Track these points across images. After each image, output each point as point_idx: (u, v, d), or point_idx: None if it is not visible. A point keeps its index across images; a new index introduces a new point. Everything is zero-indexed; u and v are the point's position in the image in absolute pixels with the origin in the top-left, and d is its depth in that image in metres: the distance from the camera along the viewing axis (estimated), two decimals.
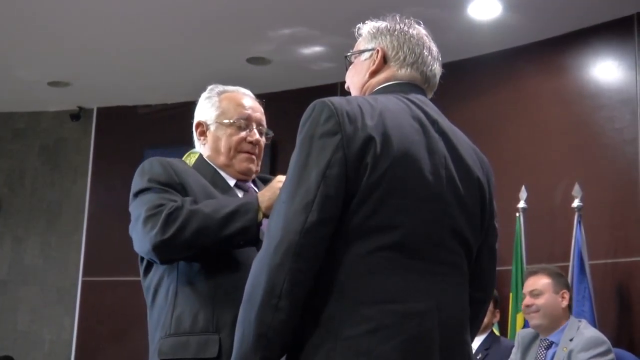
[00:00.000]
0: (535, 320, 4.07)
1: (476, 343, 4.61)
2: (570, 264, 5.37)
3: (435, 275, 1.81)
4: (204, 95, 2.54)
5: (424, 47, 2.06)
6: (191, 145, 9.04)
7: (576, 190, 5.60)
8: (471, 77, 6.68)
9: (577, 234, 5.47)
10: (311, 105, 1.83)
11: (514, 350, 4.22)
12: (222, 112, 2.47)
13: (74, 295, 8.01)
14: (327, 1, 5.89)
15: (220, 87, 2.52)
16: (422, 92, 2.04)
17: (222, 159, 2.47)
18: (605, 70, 6.12)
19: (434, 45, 2.10)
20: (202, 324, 2.11)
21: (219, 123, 2.45)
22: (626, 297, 5.65)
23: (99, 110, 8.31)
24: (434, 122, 1.93)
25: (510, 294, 5.61)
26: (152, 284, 2.27)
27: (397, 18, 2.09)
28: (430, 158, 1.85)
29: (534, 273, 4.23)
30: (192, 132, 8.65)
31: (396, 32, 2.06)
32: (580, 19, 6.06)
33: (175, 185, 2.24)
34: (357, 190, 1.75)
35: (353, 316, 1.70)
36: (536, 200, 5.91)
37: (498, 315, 5.14)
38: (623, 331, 5.53)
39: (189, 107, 9.19)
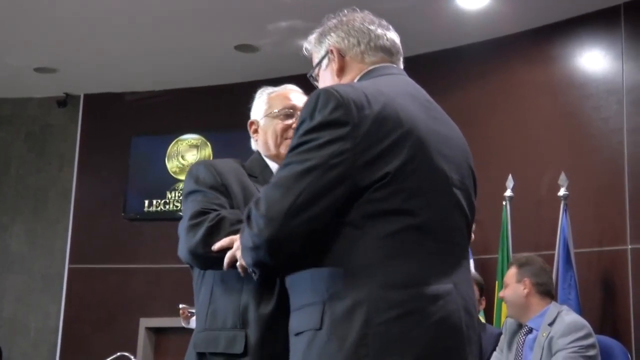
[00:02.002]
0: (507, 310, 4.24)
1: None
2: (556, 252, 5.39)
3: (450, 256, 1.83)
4: (255, 97, 2.63)
5: (369, 23, 2.05)
6: (179, 132, 9.05)
7: (562, 179, 5.62)
8: (459, 66, 6.70)
9: (563, 223, 5.49)
10: (315, 93, 1.82)
11: (502, 337, 4.26)
12: (269, 106, 2.55)
13: (60, 283, 7.98)
14: None
15: (270, 89, 2.61)
16: (396, 67, 2.05)
17: (271, 150, 2.52)
18: (592, 60, 6.14)
19: (375, 17, 2.09)
20: (232, 320, 2.21)
21: (267, 116, 2.53)
22: (611, 286, 5.69)
23: (86, 97, 8.27)
24: (429, 102, 1.96)
25: (496, 282, 5.63)
26: (198, 279, 2.39)
27: (331, 16, 2.11)
28: (434, 140, 1.86)
29: (509, 265, 4.33)
30: (179, 118, 8.62)
31: (337, 26, 2.07)
32: (567, 8, 6.07)
33: (219, 187, 2.34)
34: (371, 176, 1.74)
35: (381, 301, 1.68)
36: (522, 189, 5.94)
37: (484, 303, 5.16)
38: (608, 319, 5.58)
39: (177, 94, 9.23)
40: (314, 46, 2.12)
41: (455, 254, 1.85)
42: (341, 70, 2.04)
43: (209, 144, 7.72)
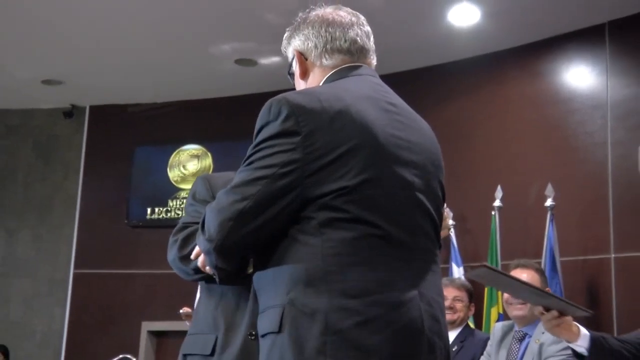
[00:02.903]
0: (520, 311, 3.95)
1: (452, 335, 4.58)
2: (543, 260, 5.40)
3: (415, 262, 1.77)
4: None
5: (328, 25, 1.95)
6: (180, 142, 9.00)
7: (549, 190, 5.64)
8: (450, 81, 6.72)
9: (550, 232, 5.51)
10: (268, 103, 1.77)
11: (489, 342, 4.23)
12: None
13: (66, 287, 7.98)
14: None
15: None
16: (362, 67, 1.95)
17: None
18: (577, 76, 6.16)
19: (344, 13, 1.98)
20: (206, 326, 2.32)
21: None
22: (595, 293, 5.70)
23: (91, 108, 8.29)
24: (393, 104, 1.88)
25: (485, 289, 5.64)
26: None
27: (299, 14, 2.03)
28: (393, 145, 1.79)
29: (523, 267, 4.07)
30: (181, 129, 8.57)
31: (300, 28, 1.99)
32: (555, 26, 6.10)
33: (210, 200, 2.32)
34: (322, 185, 1.70)
35: (340, 309, 1.64)
36: (511, 199, 5.95)
37: (473, 309, 5.13)
38: (591, 325, 5.53)
39: (179, 106, 9.22)
40: (286, 48, 2.06)
41: (420, 259, 1.79)
42: (304, 74, 1.99)
43: (209, 154, 7.72)
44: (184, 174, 7.76)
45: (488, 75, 6.62)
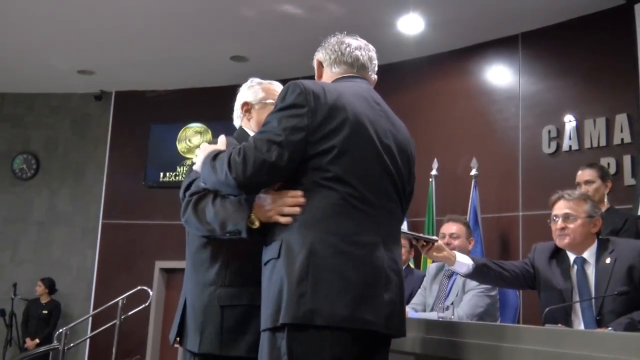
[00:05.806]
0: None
1: None
2: (468, 216, 5.45)
3: (379, 217, 1.86)
4: (246, 85, 2.49)
5: (342, 44, 2.09)
6: (187, 121, 8.83)
7: (474, 163, 5.67)
8: (398, 77, 6.70)
9: (473, 195, 5.55)
10: (287, 84, 1.88)
11: (425, 278, 4.26)
12: (265, 95, 2.41)
13: (96, 234, 7.93)
14: (291, 18, 5.84)
15: (258, 79, 2.48)
16: (359, 78, 2.08)
17: None
18: (497, 74, 6.17)
19: (357, 41, 2.12)
20: (250, 279, 2.01)
21: (264, 103, 2.38)
22: (507, 242, 5.77)
23: (117, 93, 8.18)
24: (378, 104, 2.00)
25: None
26: (202, 242, 2.24)
27: (329, 36, 2.15)
28: (375, 129, 1.90)
29: (454, 221, 4.08)
30: (187, 111, 8.37)
31: (324, 45, 2.12)
32: (480, 35, 6.10)
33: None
34: (319, 149, 1.79)
35: (322, 242, 1.75)
36: (444, 170, 5.98)
37: (413, 253, 5.18)
38: None
39: (186, 92, 9.05)
40: (314, 57, 2.16)
41: (384, 216, 1.88)
42: (320, 76, 2.11)
43: (209, 130, 7.68)
44: (189, 146, 7.72)
45: (428, 73, 6.61)
